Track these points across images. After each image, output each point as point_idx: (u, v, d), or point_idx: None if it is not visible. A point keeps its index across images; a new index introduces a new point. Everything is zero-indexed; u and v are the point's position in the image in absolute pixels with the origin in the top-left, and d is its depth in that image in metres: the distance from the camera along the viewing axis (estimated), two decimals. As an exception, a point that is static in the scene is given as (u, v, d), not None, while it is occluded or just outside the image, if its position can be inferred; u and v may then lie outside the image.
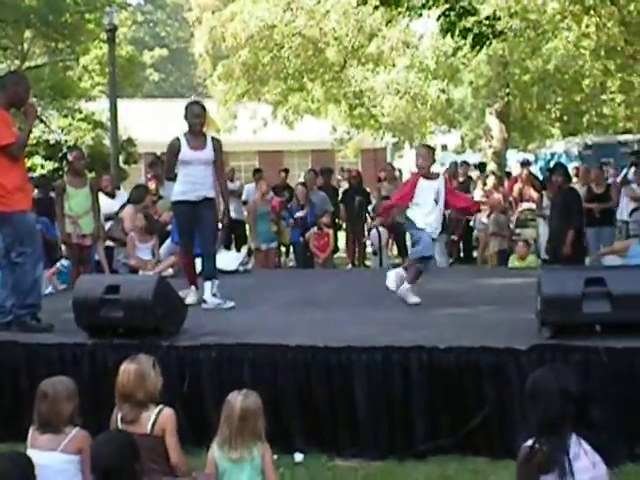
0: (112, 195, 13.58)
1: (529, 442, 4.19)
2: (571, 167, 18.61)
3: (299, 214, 15.18)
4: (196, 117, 9.16)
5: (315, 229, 15.12)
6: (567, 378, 4.34)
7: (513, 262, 13.78)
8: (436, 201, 8.87)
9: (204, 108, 9.41)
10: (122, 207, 12.89)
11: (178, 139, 9.15)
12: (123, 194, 14.29)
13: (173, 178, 9.27)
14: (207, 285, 9.21)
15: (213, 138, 9.39)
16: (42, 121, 22.69)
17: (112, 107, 20.70)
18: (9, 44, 26.17)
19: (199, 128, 9.22)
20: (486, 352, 6.54)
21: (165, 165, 9.33)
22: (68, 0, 24.84)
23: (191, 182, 9.09)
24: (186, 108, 9.25)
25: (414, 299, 8.81)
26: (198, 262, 9.72)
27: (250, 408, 4.86)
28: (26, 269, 8.01)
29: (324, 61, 26.45)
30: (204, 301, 9.15)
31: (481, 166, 23.00)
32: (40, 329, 7.95)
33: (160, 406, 5.19)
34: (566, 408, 4.17)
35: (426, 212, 8.87)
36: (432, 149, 9.35)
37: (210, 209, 9.21)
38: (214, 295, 9.14)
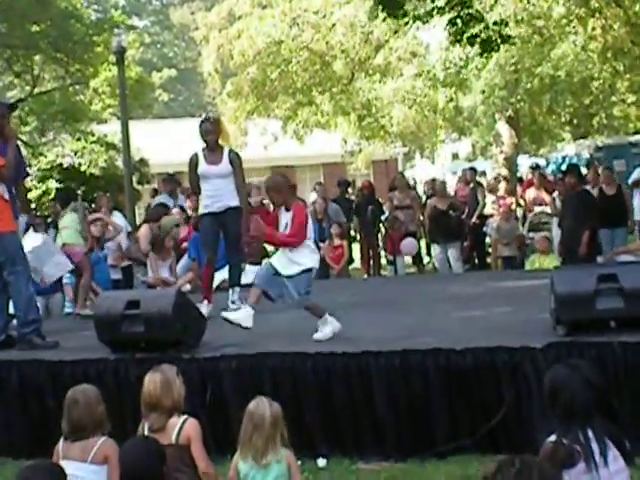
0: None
1: (552, 437, 4.18)
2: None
3: None
4: (204, 134, 9.36)
5: (328, 241, 15.23)
6: (586, 369, 4.38)
7: (533, 262, 13.60)
8: None
9: (215, 121, 9.52)
10: (139, 226, 13.07)
11: (196, 155, 9.45)
12: (119, 215, 14.35)
13: (199, 192, 9.56)
14: (230, 291, 9.50)
15: (230, 151, 9.51)
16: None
17: (124, 129, 20.80)
18: (21, 70, 26.34)
19: (211, 144, 9.39)
20: (502, 352, 6.62)
21: (189, 182, 9.69)
22: (77, 24, 24.99)
23: (212, 195, 9.35)
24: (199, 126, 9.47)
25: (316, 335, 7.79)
26: (217, 275, 9.88)
27: (279, 413, 4.97)
28: (20, 287, 8.19)
29: (332, 74, 26.49)
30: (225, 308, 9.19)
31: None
32: (46, 347, 8.07)
33: (185, 416, 5.26)
34: (591, 397, 4.21)
35: None
36: (280, 180, 8.02)
37: (235, 218, 9.33)
38: (233, 302, 9.35)
